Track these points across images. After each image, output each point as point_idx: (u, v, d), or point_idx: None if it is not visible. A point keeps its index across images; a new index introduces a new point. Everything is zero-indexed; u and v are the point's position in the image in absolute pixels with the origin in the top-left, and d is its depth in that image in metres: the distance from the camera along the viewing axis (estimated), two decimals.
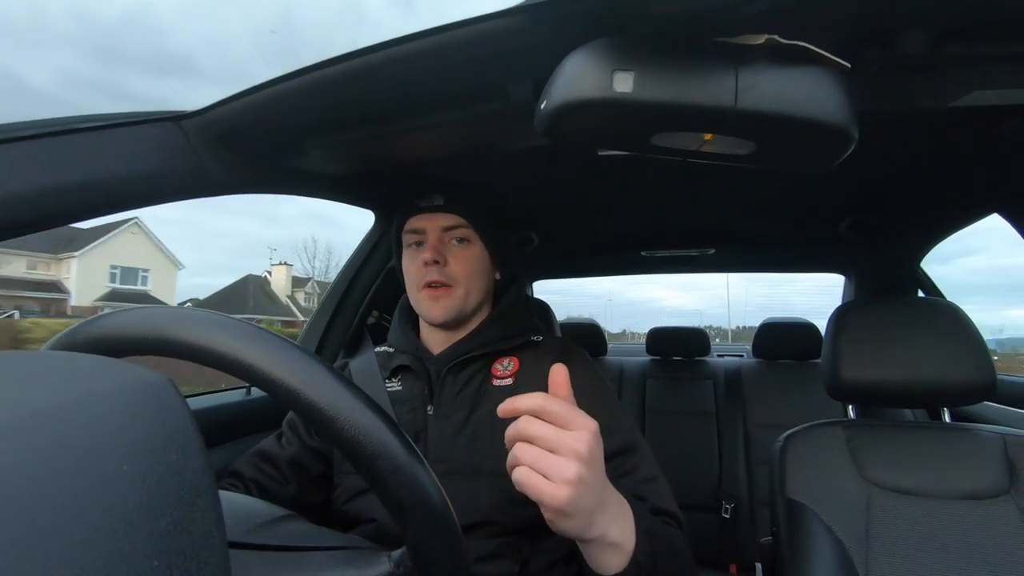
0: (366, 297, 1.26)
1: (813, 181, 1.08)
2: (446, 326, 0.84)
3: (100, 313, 0.36)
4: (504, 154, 0.90)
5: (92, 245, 21.84)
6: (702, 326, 2.28)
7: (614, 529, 0.50)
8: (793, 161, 0.54)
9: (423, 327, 0.89)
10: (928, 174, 1.01)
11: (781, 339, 1.98)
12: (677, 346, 2.12)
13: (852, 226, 1.35)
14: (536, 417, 0.46)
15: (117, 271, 22.90)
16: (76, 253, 21.40)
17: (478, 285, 0.84)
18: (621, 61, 0.44)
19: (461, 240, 0.83)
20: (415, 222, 0.84)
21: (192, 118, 0.67)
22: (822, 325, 1.15)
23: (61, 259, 21.57)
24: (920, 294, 1.52)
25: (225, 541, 0.21)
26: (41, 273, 21.14)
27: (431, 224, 0.83)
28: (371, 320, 1.28)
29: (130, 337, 0.33)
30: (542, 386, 0.76)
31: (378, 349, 0.91)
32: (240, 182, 0.78)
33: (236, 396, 1.09)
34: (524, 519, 0.68)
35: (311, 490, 0.80)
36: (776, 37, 0.43)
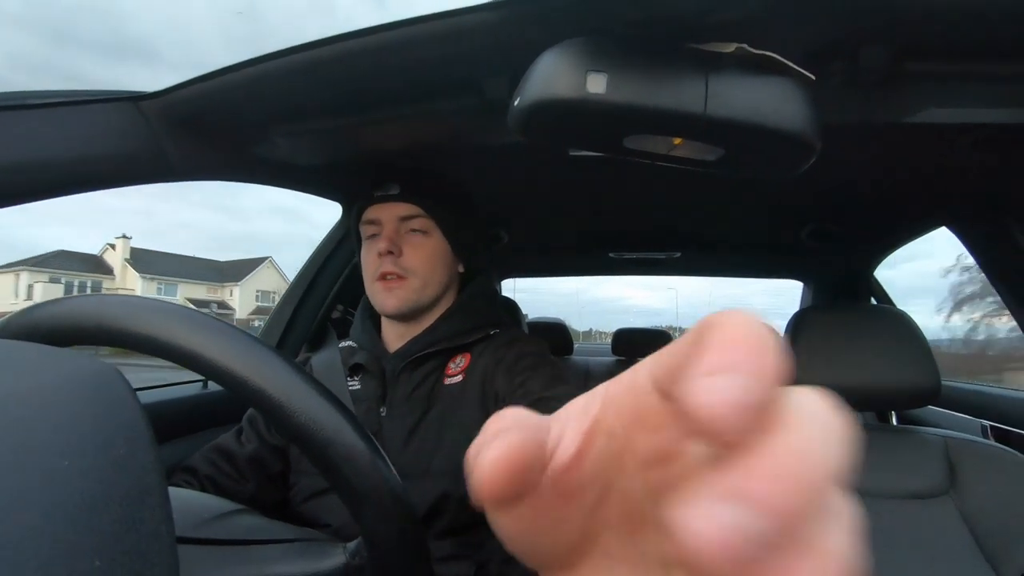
0: (331, 291, 1.24)
1: (778, 188, 1.11)
2: (402, 318, 0.81)
3: (46, 301, 0.34)
4: (476, 150, 0.90)
5: (246, 278, 35.14)
6: (667, 326, 2.32)
7: None
8: (758, 168, 0.55)
9: (384, 322, 0.86)
10: (884, 186, 1.05)
11: None
12: (642, 347, 2.15)
13: (812, 234, 1.40)
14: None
15: (259, 294, 35.57)
16: (237, 283, 34.89)
17: (436, 277, 0.81)
18: (595, 62, 0.44)
19: (418, 231, 0.80)
20: (371, 212, 0.81)
21: (152, 99, 0.64)
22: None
23: (226, 286, 35.37)
24: (872, 301, 1.59)
25: (174, 538, 0.20)
26: (212, 296, 34.33)
27: (387, 214, 0.80)
28: (336, 314, 1.25)
29: (68, 325, 0.32)
30: (484, 380, 0.75)
31: (342, 344, 0.88)
32: (202, 168, 0.76)
33: (193, 389, 1.05)
34: (473, 517, 0.67)
35: (269, 489, 0.78)
36: (746, 46, 0.44)
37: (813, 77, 0.46)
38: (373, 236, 0.81)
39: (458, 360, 0.79)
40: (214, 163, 0.78)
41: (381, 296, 0.79)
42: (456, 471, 0.69)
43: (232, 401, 1.06)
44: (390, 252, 0.78)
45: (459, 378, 0.77)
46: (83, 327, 0.30)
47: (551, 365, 0.77)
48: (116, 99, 0.62)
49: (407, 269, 0.78)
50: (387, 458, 0.33)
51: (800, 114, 0.46)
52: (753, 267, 1.94)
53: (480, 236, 0.91)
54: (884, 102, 0.60)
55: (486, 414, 0.72)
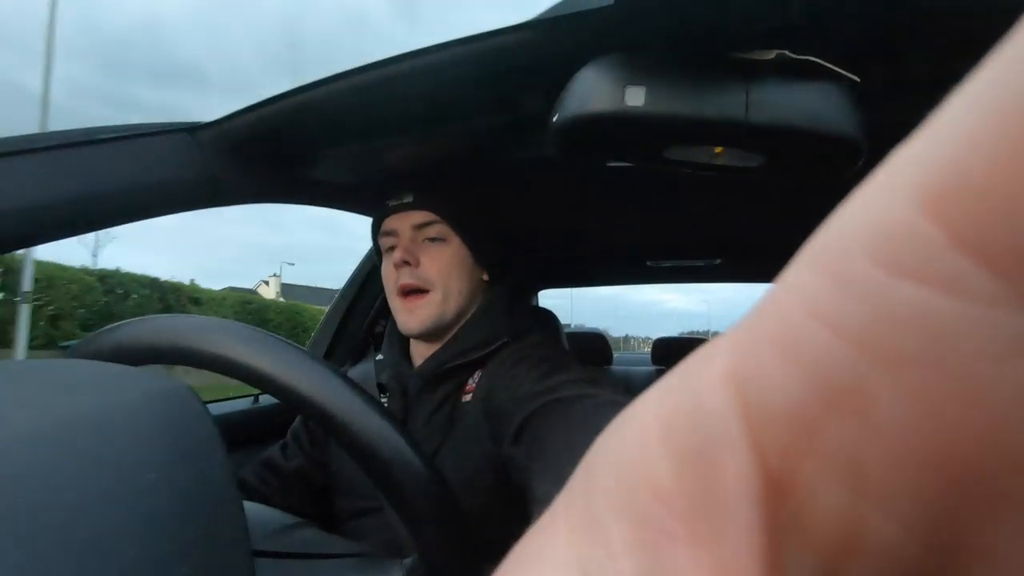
0: (375, 304, 1.27)
1: (824, 191, 1.08)
2: (427, 337, 0.77)
3: (124, 322, 0.36)
4: (513, 165, 0.91)
5: None
6: (707, 331, 2.28)
7: None
8: (803, 173, 0.54)
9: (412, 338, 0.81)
10: None
11: None
12: (683, 356, 2.10)
13: None
14: None
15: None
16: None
17: (457, 287, 0.75)
18: (633, 75, 0.44)
19: (435, 239, 0.76)
20: (387, 224, 0.78)
21: (206, 129, 0.68)
22: None
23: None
24: None
25: (250, 549, 0.22)
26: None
27: (402, 223, 0.76)
28: (379, 328, 1.28)
29: (149, 346, 0.34)
30: (490, 395, 0.69)
31: (378, 357, 0.87)
32: (250, 192, 0.79)
33: (243, 404, 1.09)
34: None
35: (313, 502, 0.79)
36: (786, 52, 0.43)
37: (857, 79, 0.45)
38: (391, 248, 0.78)
39: (476, 375, 0.73)
40: (261, 187, 0.81)
41: (403, 316, 0.75)
42: (466, 489, 0.63)
43: (279, 416, 1.09)
44: (406, 263, 0.74)
45: (469, 396, 0.72)
46: (157, 347, 0.32)
47: (551, 357, 0.69)
48: (174, 131, 0.66)
49: (426, 280, 0.74)
50: (445, 478, 0.34)
51: (844, 117, 0.45)
52: None
53: (504, 242, 0.86)
54: (931, 103, 0.58)
55: (490, 433, 0.66)
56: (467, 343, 0.74)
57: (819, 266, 0.07)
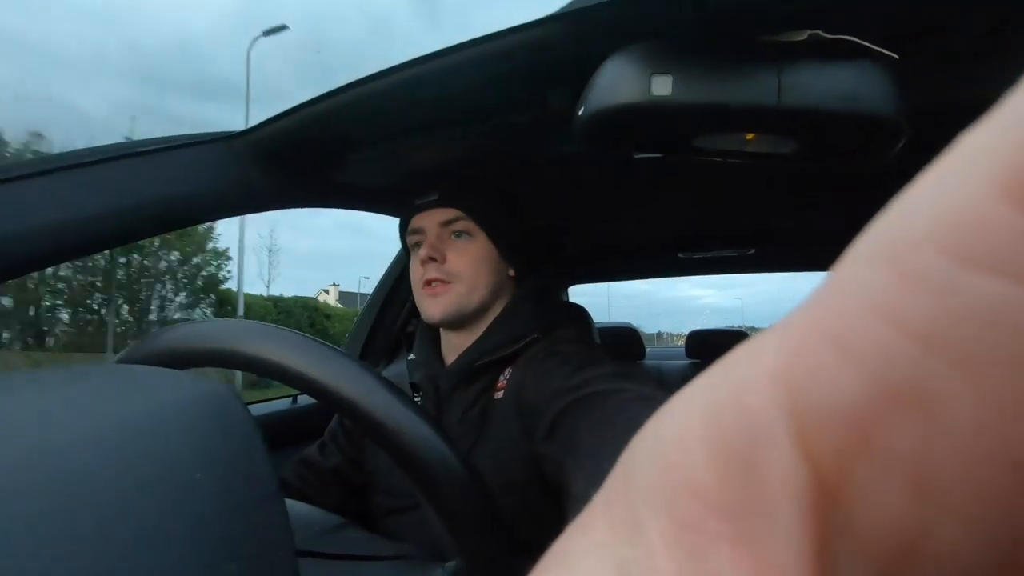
0: (406, 305, 1.28)
1: (864, 175, 1.05)
2: (450, 327, 0.78)
3: (168, 327, 0.38)
4: (539, 160, 0.91)
5: None
6: (742, 327, 2.23)
7: None
8: (841, 157, 0.52)
9: (443, 336, 0.82)
10: None
11: None
12: (719, 349, 2.07)
13: None
14: None
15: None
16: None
17: (483, 280, 0.76)
18: (659, 64, 0.43)
19: (461, 234, 0.77)
20: (414, 222, 0.79)
21: (240, 137, 0.69)
22: None
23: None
24: None
25: (293, 547, 0.22)
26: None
27: (428, 221, 0.77)
28: (411, 328, 1.29)
29: (194, 350, 0.35)
30: (521, 392, 0.69)
31: (410, 357, 0.88)
32: (284, 197, 0.81)
33: (282, 405, 1.12)
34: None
35: (351, 500, 0.81)
36: (820, 32, 0.42)
37: (896, 56, 0.43)
38: (417, 244, 0.79)
39: (507, 372, 0.74)
40: (294, 192, 0.83)
41: (426, 302, 0.76)
42: (500, 487, 0.64)
43: (318, 416, 1.12)
44: (432, 259, 0.75)
45: (501, 393, 0.72)
46: (199, 351, 0.34)
47: (582, 352, 0.69)
48: (210, 140, 0.68)
49: (451, 274, 0.75)
50: (484, 480, 0.34)
51: (883, 97, 0.43)
52: (836, 261, 1.83)
53: (530, 237, 0.85)
54: (978, 77, 0.56)
55: (522, 430, 0.67)
56: (496, 340, 0.74)
57: (880, 258, 0.06)
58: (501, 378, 0.73)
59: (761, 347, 0.07)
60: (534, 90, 0.59)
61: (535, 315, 0.77)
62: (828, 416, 0.06)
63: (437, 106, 0.62)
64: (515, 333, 0.74)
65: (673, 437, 0.08)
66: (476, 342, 0.76)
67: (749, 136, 0.49)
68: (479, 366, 0.74)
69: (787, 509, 0.07)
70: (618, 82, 0.44)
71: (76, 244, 0.53)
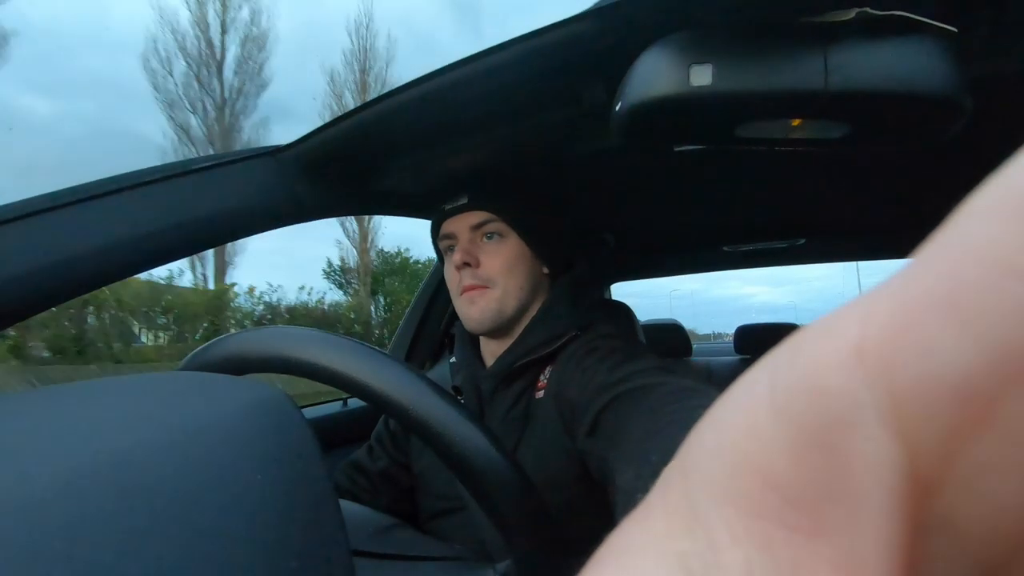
0: (449, 307, 1.30)
1: (916, 159, 0.99)
2: (491, 333, 0.78)
3: (226, 335, 0.39)
4: (576, 158, 0.90)
5: None
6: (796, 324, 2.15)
7: None
8: (895, 139, 0.50)
9: (482, 338, 0.83)
10: None
11: None
12: (770, 343, 2.00)
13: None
14: None
15: None
16: None
17: (517, 282, 0.76)
18: (697, 54, 0.42)
19: (492, 235, 0.77)
20: (446, 227, 0.80)
21: (286, 150, 0.72)
22: None
23: None
24: None
25: (349, 546, 0.23)
26: None
27: (459, 225, 0.78)
28: (454, 331, 1.31)
29: (249, 357, 0.36)
30: (561, 390, 0.69)
31: (451, 360, 0.89)
32: (329, 207, 0.84)
33: (333, 408, 1.15)
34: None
35: (400, 503, 0.82)
36: (868, 9, 0.40)
37: (955, 30, 0.41)
38: (449, 250, 0.80)
39: (547, 371, 0.74)
40: (338, 201, 0.85)
41: (465, 309, 0.77)
42: (544, 485, 0.63)
43: (367, 419, 1.14)
44: (467, 264, 0.75)
45: (542, 392, 0.73)
46: (254, 358, 0.35)
47: (622, 348, 0.68)
48: (258, 155, 0.71)
49: (487, 278, 0.76)
50: (532, 481, 0.34)
51: (941, 75, 0.41)
52: (893, 248, 1.74)
53: (567, 235, 0.85)
54: None
55: (564, 428, 0.67)
56: (535, 340, 0.74)
57: (1005, 211, 0.06)
58: (541, 377, 0.73)
59: (838, 323, 0.07)
60: (570, 87, 0.59)
61: (572, 313, 0.77)
62: (934, 392, 0.06)
63: (474, 109, 0.63)
64: (554, 332, 0.74)
65: (738, 424, 0.07)
66: (515, 343, 0.76)
67: (795, 122, 0.47)
68: (519, 367, 0.74)
69: (873, 498, 0.06)
70: (655, 74, 0.44)
71: (140, 260, 0.56)
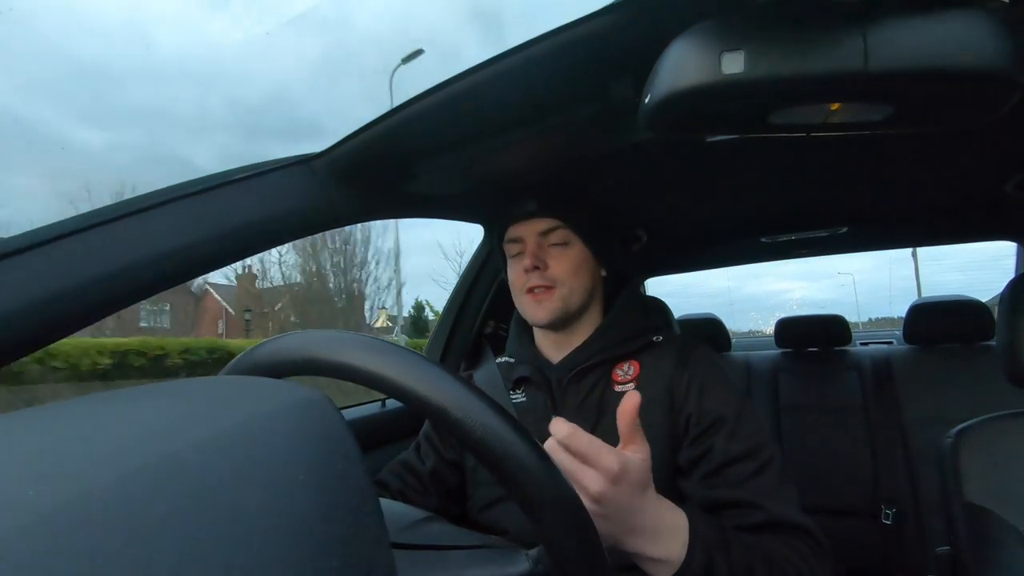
0: (482, 307, 1.31)
1: (966, 139, 0.95)
2: (553, 327, 0.84)
3: (264, 341, 0.41)
4: (607, 153, 0.89)
5: None
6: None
7: (653, 548, 0.51)
8: (941, 119, 0.47)
9: (538, 335, 0.89)
10: None
11: (939, 321, 1.73)
12: (812, 336, 1.94)
13: (1021, 185, 1.16)
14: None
15: None
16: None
17: (581, 283, 0.83)
18: (728, 41, 0.41)
19: (559, 243, 0.83)
20: (513, 231, 0.86)
21: (320, 158, 0.74)
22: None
23: None
24: None
25: (389, 543, 0.23)
26: None
27: (528, 231, 0.84)
28: (488, 330, 1.31)
29: (290, 361, 0.37)
30: (672, 391, 0.76)
31: (499, 360, 0.92)
32: (363, 211, 0.85)
33: (373, 409, 1.18)
34: None
35: (449, 501, 0.84)
36: None
37: (1006, 0, 0.38)
38: (518, 254, 0.85)
39: (625, 368, 0.80)
40: (372, 205, 0.87)
41: (531, 308, 0.83)
42: None
43: (405, 418, 1.16)
44: (536, 267, 0.81)
45: (631, 386, 0.79)
46: (295, 361, 0.36)
47: (733, 417, 0.73)
48: (292, 164, 0.72)
49: (554, 279, 0.81)
50: (560, 471, 0.34)
51: (991, 49, 0.39)
52: (943, 233, 1.66)
53: (618, 239, 0.91)
54: None
55: (673, 424, 0.74)
56: (613, 339, 0.82)
57: None
58: (618, 372, 0.80)
59: None
60: (598, 81, 0.58)
61: (643, 317, 0.87)
62: None
63: (501, 108, 0.63)
64: (629, 334, 0.83)
65: None
66: (589, 341, 0.83)
67: (834, 106, 0.46)
68: (595, 361, 0.80)
69: None
70: (685, 64, 0.43)
71: (183, 270, 0.58)
